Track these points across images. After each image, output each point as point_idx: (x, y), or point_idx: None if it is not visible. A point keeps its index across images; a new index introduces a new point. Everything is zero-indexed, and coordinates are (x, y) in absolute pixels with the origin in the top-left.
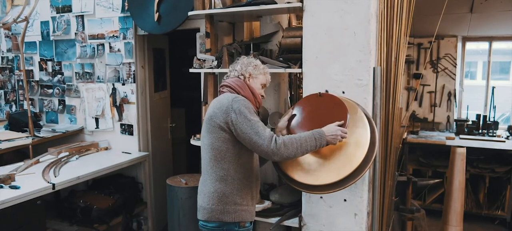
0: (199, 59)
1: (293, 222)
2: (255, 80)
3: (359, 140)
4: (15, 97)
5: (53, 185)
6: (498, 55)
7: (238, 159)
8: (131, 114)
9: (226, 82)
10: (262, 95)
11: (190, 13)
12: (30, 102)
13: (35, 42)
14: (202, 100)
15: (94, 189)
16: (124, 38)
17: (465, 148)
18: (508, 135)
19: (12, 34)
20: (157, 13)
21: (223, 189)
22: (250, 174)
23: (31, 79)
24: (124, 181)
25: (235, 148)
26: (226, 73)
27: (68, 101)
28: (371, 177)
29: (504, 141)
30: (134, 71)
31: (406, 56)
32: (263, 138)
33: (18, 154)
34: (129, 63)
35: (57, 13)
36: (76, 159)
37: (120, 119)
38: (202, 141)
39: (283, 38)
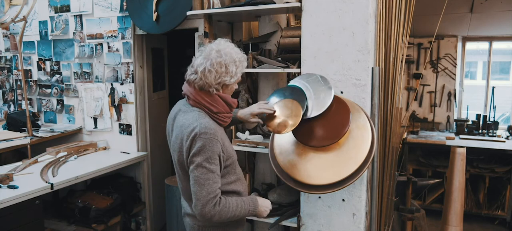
0: None
1: (291, 222)
2: (231, 85)
3: (359, 123)
4: (13, 97)
5: (52, 185)
6: (498, 55)
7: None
8: (129, 114)
9: (194, 97)
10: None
11: (188, 13)
12: (28, 102)
13: (33, 42)
14: None
15: (92, 189)
16: (123, 38)
17: (465, 148)
18: (508, 135)
19: (10, 33)
20: (156, 13)
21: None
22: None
23: (30, 79)
24: (123, 180)
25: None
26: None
27: (67, 101)
28: (369, 177)
29: (504, 141)
30: (132, 71)
31: (406, 56)
32: (204, 195)
33: (16, 154)
34: (128, 63)
35: (55, 12)
36: (75, 158)
37: (119, 119)
38: (177, 181)
39: (282, 38)
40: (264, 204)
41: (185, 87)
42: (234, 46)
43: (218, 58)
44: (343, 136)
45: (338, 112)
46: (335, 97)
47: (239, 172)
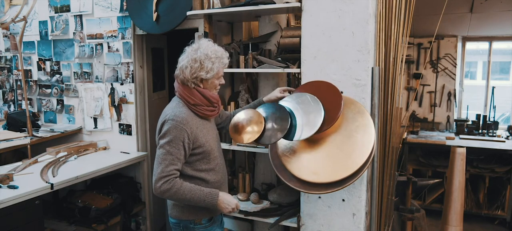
0: None
1: (291, 222)
2: (210, 79)
3: (360, 122)
4: (13, 97)
5: (52, 185)
6: (498, 55)
7: (190, 181)
8: (129, 114)
9: (177, 90)
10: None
11: (188, 13)
12: (28, 102)
13: (33, 42)
14: None
15: (92, 189)
16: (123, 38)
17: (465, 148)
18: (508, 135)
19: (10, 33)
20: (156, 13)
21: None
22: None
23: (30, 79)
24: (123, 180)
25: (185, 169)
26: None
27: (67, 101)
28: (369, 177)
29: (504, 141)
30: (132, 71)
31: (406, 56)
32: (158, 172)
33: (16, 154)
34: (128, 63)
35: (55, 12)
36: (75, 158)
37: (119, 119)
38: None
39: (282, 38)
40: (227, 201)
41: (175, 82)
42: (214, 45)
43: (193, 55)
44: (337, 119)
45: (330, 97)
46: (325, 83)
47: (217, 164)
